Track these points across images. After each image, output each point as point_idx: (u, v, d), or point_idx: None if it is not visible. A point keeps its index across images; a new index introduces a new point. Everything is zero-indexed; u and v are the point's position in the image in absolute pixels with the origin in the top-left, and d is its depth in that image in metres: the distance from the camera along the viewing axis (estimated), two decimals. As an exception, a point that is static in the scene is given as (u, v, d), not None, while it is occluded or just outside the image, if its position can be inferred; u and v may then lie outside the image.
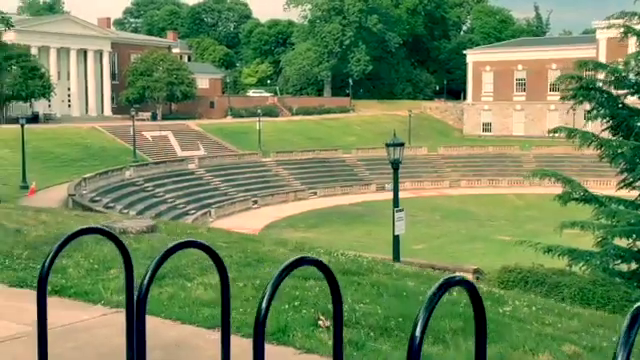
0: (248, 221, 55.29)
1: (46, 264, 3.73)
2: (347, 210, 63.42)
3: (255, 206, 62.05)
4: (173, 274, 7.10)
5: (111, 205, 46.50)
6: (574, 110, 21.24)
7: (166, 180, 58.22)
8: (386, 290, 7.08)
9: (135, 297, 3.48)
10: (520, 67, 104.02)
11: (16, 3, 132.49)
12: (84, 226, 4.19)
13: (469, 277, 18.22)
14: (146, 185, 55.56)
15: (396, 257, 19.66)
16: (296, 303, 6.07)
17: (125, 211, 45.18)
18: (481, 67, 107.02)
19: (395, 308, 6.28)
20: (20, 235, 8.75)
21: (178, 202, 55.71)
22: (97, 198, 46.69)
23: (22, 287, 6.75)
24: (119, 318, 4.97)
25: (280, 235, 51.53)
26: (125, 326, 3.80)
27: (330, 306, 3.14)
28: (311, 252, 9.41)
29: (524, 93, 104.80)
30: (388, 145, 19.57)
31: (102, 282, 6.84)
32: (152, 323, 4.56)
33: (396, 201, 20.19)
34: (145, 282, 3.35)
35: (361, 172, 77.04)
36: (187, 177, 61.67)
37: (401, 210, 19.89)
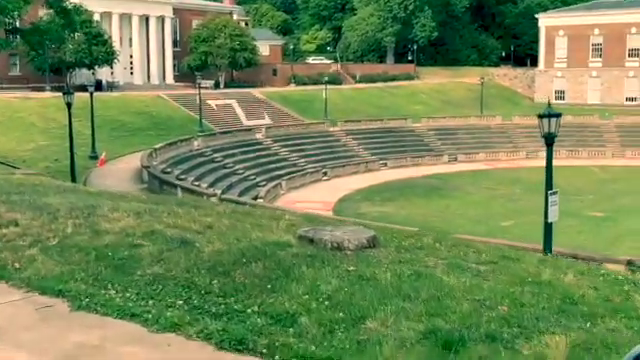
0: (321, 193, 52.75)
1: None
2: (421, 182, 60.18)
3: (325, 178, 59.33)
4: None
5: (182, 177, 44.36)
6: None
7: (234, 150, 55.91)
8: None
9: None
10: (597, 31, 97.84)
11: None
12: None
13: (621, 269, 14.53)
14: (215, 155, 53.36)
15: (548, 247, 16.55)
16: None
17: (196, 183, 43.06)
18: (554, 32, 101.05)
19: None
20: (192, 250, 6.07)
21: (248, 173, 53.35)
22: (168, 169, 44.56)
23: (242, 352, 3.90)
24: None
25: (357, 210, 48.79)
26: None
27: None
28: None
29: (600, 59, 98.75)
30: (541, 116, 16.31)
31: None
32: None
33: (549, 182, 16.97)
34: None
35: (432, 142, 73.37)
36: (255, 147, 59.26)
37: (555, 193, 16.66)
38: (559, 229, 49.88)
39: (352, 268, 5.41)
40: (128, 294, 5.21)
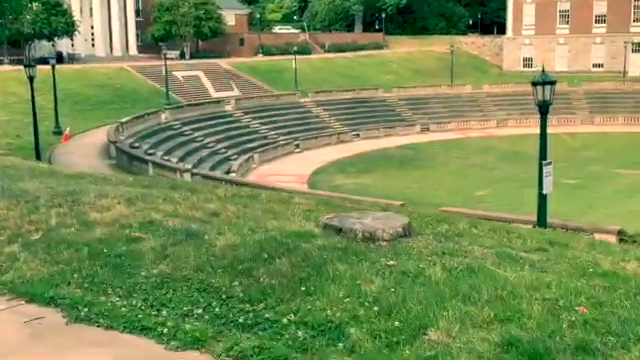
0: (293, 166, 51.99)
1: None
2: (395, 153, 59.80)
3: (297, 150, 58.52)
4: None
5: (151, 152, 43.10)
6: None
7: (203, 123, 54.63)
8: None
9: None
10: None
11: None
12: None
13: (613, 239, 14.04)
14: (184, 129, 52.06)
15: (542, 221, 16.06)
16: None
17: (166, 158, 41.89)
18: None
19: None
20: (201, 243, 5.25)
21: (219, 147, 52.20)
22: (136, 144, 43.21)
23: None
24: None
25: (332, 182, 48.16)
26: None
27: None
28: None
29: (567, 26, 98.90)
30: (535, 83, 15.67)
31: None
32: None
33: (543, 152, 16.41)
34: None
35: (404, 112, 72.90)
36: (225, 120, 58.06)
37: (549, 164, 16.14)
38: (533, 196, 49.98)
39: (392, 262, 4.69)
40: (134, 301, 4.37)
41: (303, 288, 4.21)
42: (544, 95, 15.59)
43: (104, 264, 5.01)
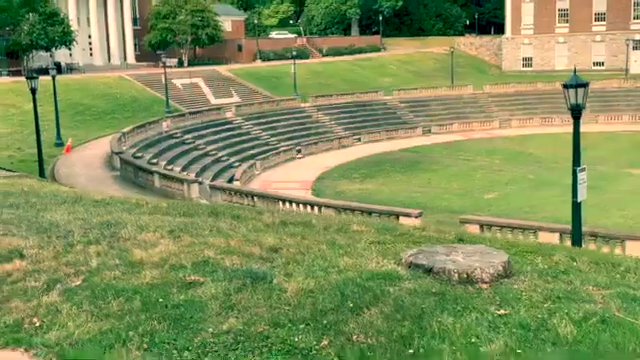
0: (296, 172, 51.38)
1: None
2: (398, 157, 59.18)
3: (299, 155, 57.91)
4: None
5: (154, 161, 42.48)
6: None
7: (205, 131, 54.05)
8: None
9: None
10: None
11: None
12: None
13: None
14: (185, 137, 51.41)
15: (577, 231, 15.33)
16: None
17: (169, 167, 41.27)
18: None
19: None
20: (270, 289, 4.58)
21: (221, 154, 51.58)
22: (138, 154, 42.55)
23: None
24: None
25: (336, 188, 47.47)
26: None
27: None
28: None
29: (567, 24, 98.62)
30: (567, 86, 15.00)
31: None
32: None
33: (577, 157, 15.71)
34: None
35: (405, 115, 72.35)
36: (226, 127, 57.44)
37: (583, 170, 15.48)
38: (544, 199, 49.35)
39: (503, 312, 4.03)
40: (210, 368, 3.67)
41: (410, 350, 3.52)
42: (577, 98, 14.95)
43: (162, 317, 4.29)
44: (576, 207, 15.71)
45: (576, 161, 15.77)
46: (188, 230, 6.46)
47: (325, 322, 3.99)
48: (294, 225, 6.60)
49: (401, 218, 21.74)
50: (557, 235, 19.27)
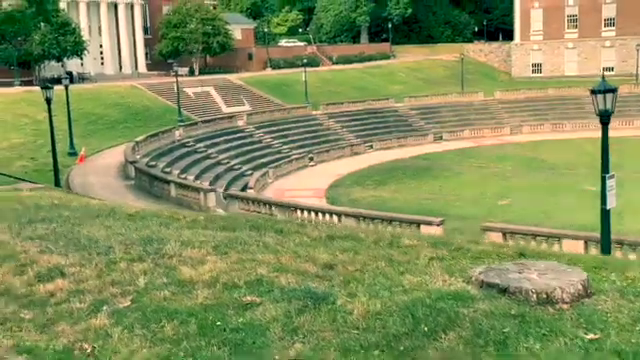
0: (309, 180, 51.21)
1: None
2: (410, 164, 58.93)
3: (312, 163, 57.75)
4: None
5: (167, 170, 42.40)
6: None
7: (217, 140, 53.98)
8: None
9: None
10: (571, 2, 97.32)
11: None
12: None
13: None
14: (198, 146, 51.34)
15: (606, 240, 15.01)
16: None
17: (182, 176, 41.15)
18: (529, 4, 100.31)
19: None
20: (335, 310, 4.29)
21: (233, 163, 51.47)
22: (152, 163, 42.47)
23: None
24: None
25: (350, 196, 47.20)
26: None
27: None
28: None
29: (576, 30, 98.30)
30: (595, 92, 14.74)
31: None
32: None
33: (605, 164, 15.42)
34: None
35: (415, 122, 72.13)
36: (237, 135, 57.37)
37: (612, 177, 15.18)
38: (558, 205, 48.81)
39: (593, 336, 3.75)
40: (281, 400, 3.40)
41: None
42: (605, 104, 14.67)
43: (221, 342, 4.00)
44: (605, 215, 15.41)
45: (605, 168, 15.48)
46: (233, 246, 6.19)
47: (401, 348, 3.70)
48: (342, 239, 6.33)
49: (422, 226, 21.50)
50: (582, 243, 18.94)
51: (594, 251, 19.82)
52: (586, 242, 19.13)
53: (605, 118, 14.98)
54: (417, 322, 3.96)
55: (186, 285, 5.13)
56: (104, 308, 4.79)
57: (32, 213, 8.86)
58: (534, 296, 4.22)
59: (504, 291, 4.32)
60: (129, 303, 4.87)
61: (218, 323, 4.32)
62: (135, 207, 10.52)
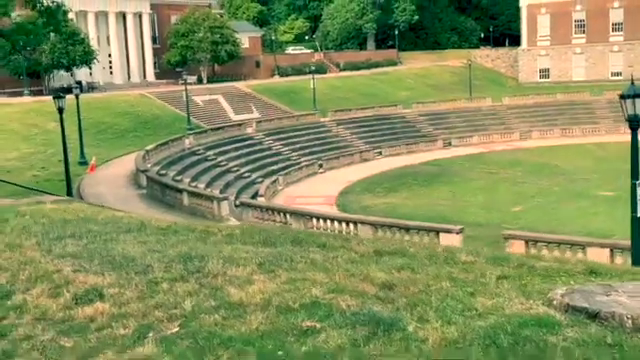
0: (320, 187, 50.92)
1: None
2: (420, 170, 58.55)
3: (321, 170, 57.49)
4: None
5: (178, 178, 42.16)
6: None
7: (227, 147, 53.80)
8: None
9: None
10: (579, 7, 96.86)
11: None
12: None
13: None
14: (208, 154, 51.16)
15: (637, 252, 14.54)
16: None
17: (193, 184, 40.88)
18: (536, 10, 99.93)
19: None
20: (406, 338, 3.92)
21: (243, 170, 51.22)
22: (162, 171, 42.24)
23: None
24: None
25: (361, 203, 46.78)
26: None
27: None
28: None
29: (584, 35, 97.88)
30: (624, 97, 14.34)
31: None
32: None
33: (635, 171, 14.99)
34: None
35: (424, 128, 71.84)
36: (247, 142, 57.20)
37: (644, 183, 14.71)
38: (572, 211, 48.20)
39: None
40: None
41: None
42: (635, 109, 14.27)
43: (286, 374, 3.67)
44: (636, 223, 14.96)
45: (634, 174, 15.04)
46: (279, 263, 5.81)
47: (489, 384, 3.36)
48: (390, 254, 5.97)
49: (441, 235, 21.10)
50: (608, 251, 18.52)
51: (619, 260, 19.38)
52: (612, 250, 18.71)
53: (634, 123, 14.55)
54: (502, 353, 3.59)
55: (236, 308, 4.74)
56: (150, 335, 4.41)
57: (60, 228, 8.49)
58: (629, 322, 3.85)
59: (594, 316, 3.95)
60: (177, 329, 4.50)
61: (280, 353, 3.93)
62: (166, 221, 10.17)
